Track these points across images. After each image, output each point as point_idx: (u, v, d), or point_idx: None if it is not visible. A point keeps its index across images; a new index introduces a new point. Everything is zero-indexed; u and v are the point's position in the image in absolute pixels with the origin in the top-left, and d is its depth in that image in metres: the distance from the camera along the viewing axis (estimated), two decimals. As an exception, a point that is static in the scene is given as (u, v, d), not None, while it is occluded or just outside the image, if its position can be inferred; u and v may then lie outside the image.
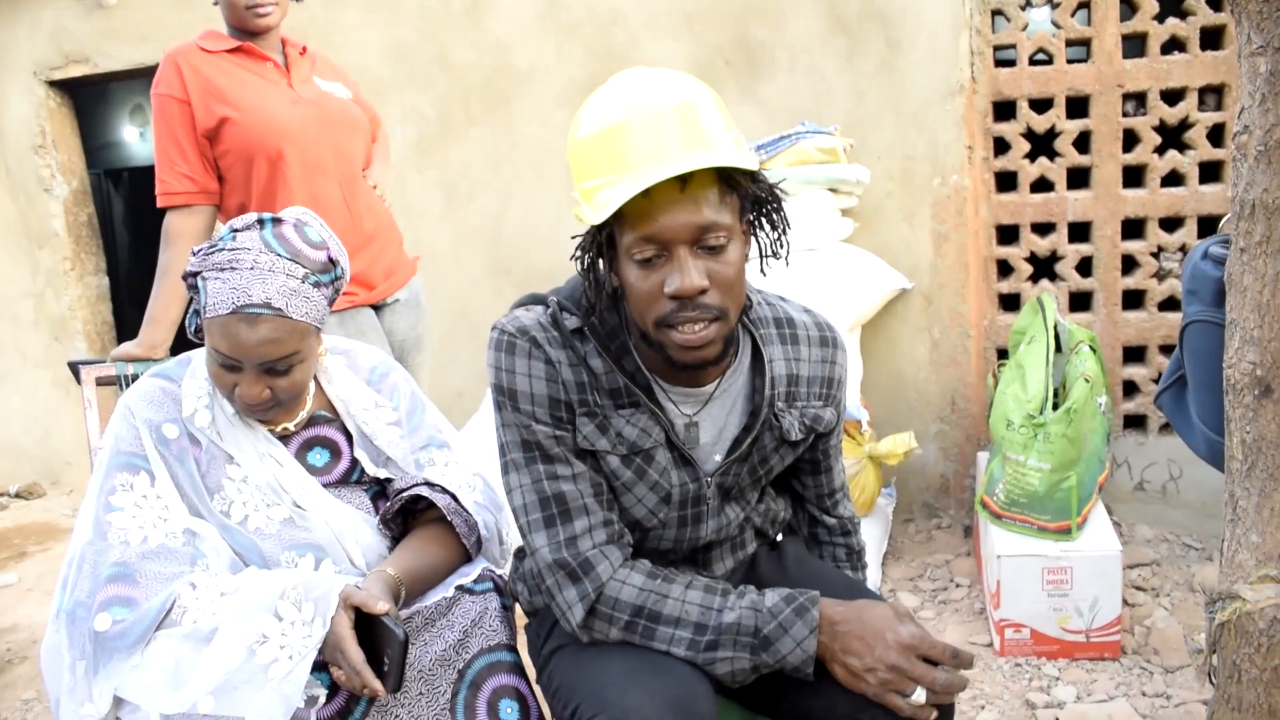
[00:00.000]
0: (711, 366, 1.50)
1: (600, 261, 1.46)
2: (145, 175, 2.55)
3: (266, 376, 1.70)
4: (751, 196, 1.41)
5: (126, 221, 7.81)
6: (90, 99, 7.33)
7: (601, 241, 1.42)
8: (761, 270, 1.49)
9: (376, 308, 2.66)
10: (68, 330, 4.89)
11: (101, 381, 2.27)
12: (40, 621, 3.45)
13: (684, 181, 1.32)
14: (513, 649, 1.71)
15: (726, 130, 1.37)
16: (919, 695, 1.41)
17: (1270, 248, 1.32)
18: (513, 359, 1.50)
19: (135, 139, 8.12)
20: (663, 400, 1.54)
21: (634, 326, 1.50)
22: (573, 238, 1.48)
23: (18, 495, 4.99)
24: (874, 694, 1.42)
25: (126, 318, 5.25)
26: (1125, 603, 2.95)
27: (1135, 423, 3.58)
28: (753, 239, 1.47)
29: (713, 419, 1.57)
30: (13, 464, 5.11)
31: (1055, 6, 3.43)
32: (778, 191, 1.45)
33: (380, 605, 1.50)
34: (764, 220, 1.46)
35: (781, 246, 1.48)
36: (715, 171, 1.35)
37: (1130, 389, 3.55)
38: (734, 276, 1.38)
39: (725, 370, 1.56)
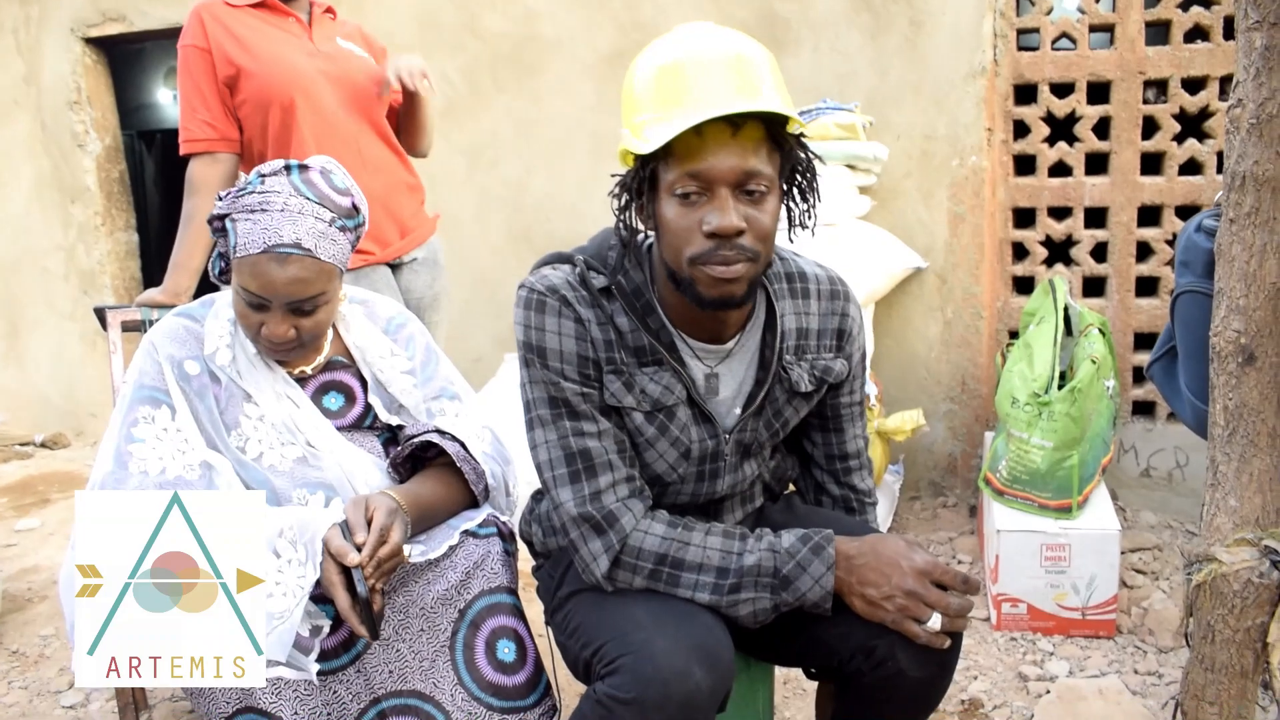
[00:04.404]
0: (734, 312, 1.54)
1: (636, 200, 1.49)
2: (176, 137, 2.62)
3: (293, 316, 1.76)
4: (792, 159, 1.46)
5: (157, 182, 7.91)
6: (125, 61, 7.42)
7: (644, 178, 1.45)
8: (790, 237, 1.54)
9: (394, 266, 2.71)
10: (96, 284, 4.98)
11: (127, 326, 2.34)
12: (60, 563, 3.54)
13: (736, 126, 1.37)
14: (513, 592, 1.77)
15: (779, 90, 1.43)
16: (934, 622, 1.46)
17: (1259, 219, 1.36)
18: (543, 317, 1.53)
19: (169, 101, 8.20)
20: (686, 357, 1.58)
21: (659, 278, 1.55)
22: (612, 176, 1.52)
23: (43, 445, 5.09)
24: (891, 621, 1.48)
25: (154, 278, 5.32)
26: (1124, 584, 2.98)
27: (1144, 409, 3.60)
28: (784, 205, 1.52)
29: (732, 373, 1.62)
30: (39, 414, 5.21)
31: (1080, -8, 3.44)
32: (814, 162, 1.49)
33: (351, 557, 1.52)
34: (797, 189, 1.51)
35: (810, 218, 1.52)
36: (764, 127, 1.40)
37: (1140, 375, 3.57)
38: (769, 226, 1.43)
39: (744, 325, 1.60)
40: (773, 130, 1.42)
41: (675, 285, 1.48)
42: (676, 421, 1.58)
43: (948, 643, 1.48)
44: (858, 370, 1.74)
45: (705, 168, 1.38)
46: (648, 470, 1.61)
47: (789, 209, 1.52)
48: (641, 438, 1.58)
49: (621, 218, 1.50)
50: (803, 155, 1.47)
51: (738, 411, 1.62)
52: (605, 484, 1.54)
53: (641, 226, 1.51)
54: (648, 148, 1.38)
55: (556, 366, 1.53)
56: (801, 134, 1.46)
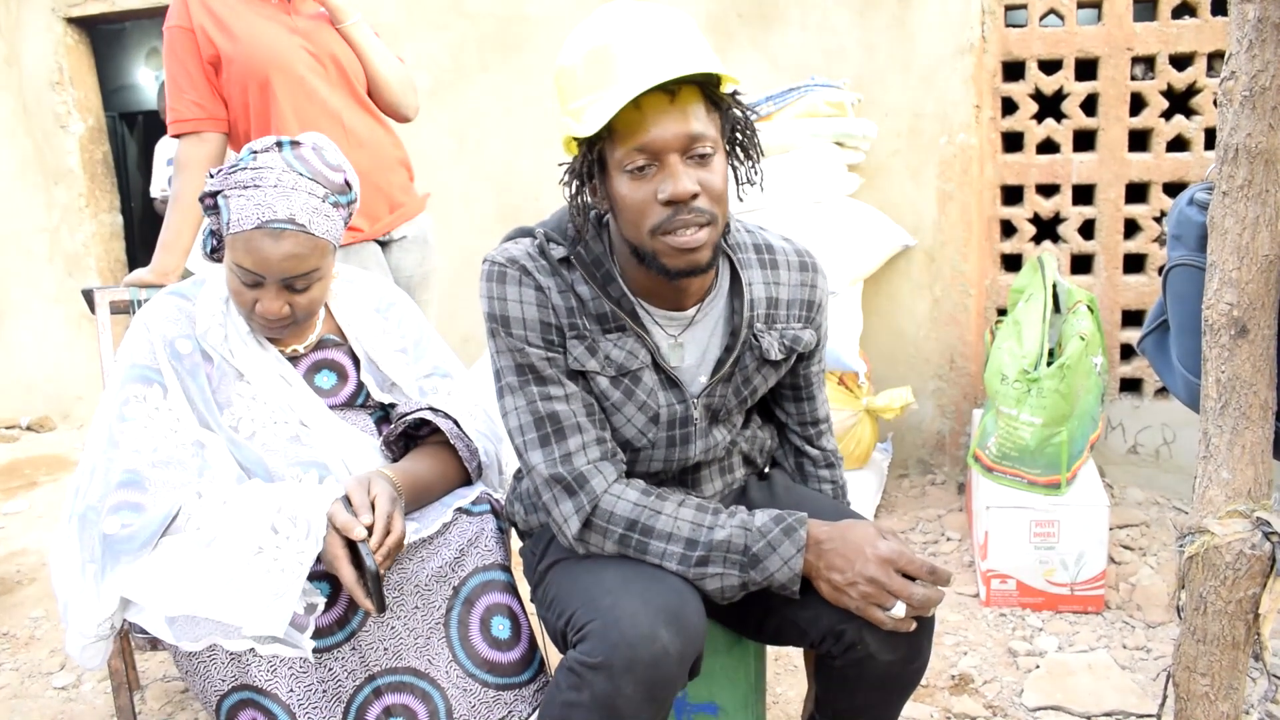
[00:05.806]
0: (696, 279, 1.55)
1: (588, 184, 1.51)
2: (159, 119, 2.61)
3: (286, 292, 1.76)
4: (731, 118, 1.49)
5: (140, 164, 7.84)
6: (107, 41, 7.35)
7: (593, 160, 1.48)
8: (739, 196, 1.55)
9: (383, 244, 2.70)
10: (81, 266, 4.95)
11: (115, 307, 2.32)
12: (49, 546, 3.53)
13: (672, 94, 1.40)
14: (507, 569, 1.77)
15: (706, 51, 1.44)
16: (898, 609, 1.46)
17: (1251, 191, 1.36)
18: (504, 287, 1.56)
19: (150, 82, 8.12)
20: (647, 324, 1.59)
21: (620, 251, 1.56)
22: (559, 165, 1.55)
23: (29, 428, 5.06)
24: (856, 607, 1.48)
25: (138, 259, 5.29)
26: (1112, 560, 3.00)
27: (1131, 386, 3.62)
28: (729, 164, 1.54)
29: (696, 341, 1.63)
30: (25, 397, 5.18)
31: (1069, -32, 3.43)
32: (751, 117, 1.52)
33: (357, 531, 1.53)
34: (739, 147, 1.53)
35: (756, 174, 1.55)
36: (699, 88, 1.43)
37: (1127, 352, 3.59)
38: (722, 186, 1.45)
39: (706, 295, 1.62)
40: (707, 91, 1.44)
41: (639, 259, 1.51)
42: (643, 386, 1.60)
43: (913, 626, 1.49)
44: (824, 340, 1.79)
45: (650, 139, 1.40)
46: (618, 435, 1.63)
47: (734, 168, 1.54)
48: (608, 401, 1.60)
49: (574, 203, 1.53)
50: (739, 113, 1.50)
51: (703, 379, 1.64)
52: (575, 446, 1.56)
53: (595, 206, 1.54)
54: (590, 130, 1.40)
55: (520, 334, 1.55)
56: (735, 91, 1.48)
